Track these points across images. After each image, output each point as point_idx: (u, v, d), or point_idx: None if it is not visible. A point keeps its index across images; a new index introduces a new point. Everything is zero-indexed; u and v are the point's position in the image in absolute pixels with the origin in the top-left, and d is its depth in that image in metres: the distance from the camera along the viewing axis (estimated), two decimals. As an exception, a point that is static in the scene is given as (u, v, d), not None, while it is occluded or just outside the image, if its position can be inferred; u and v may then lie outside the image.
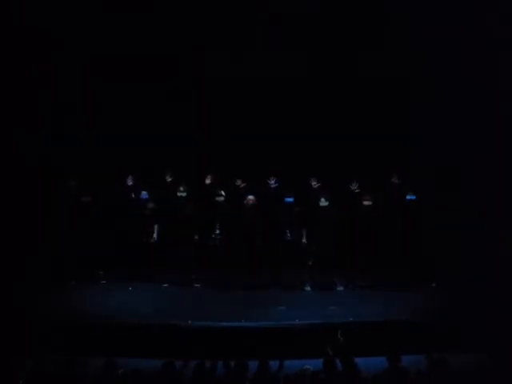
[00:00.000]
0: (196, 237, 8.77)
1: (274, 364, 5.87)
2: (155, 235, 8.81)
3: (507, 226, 8.38)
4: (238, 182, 9.05)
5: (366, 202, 8.85)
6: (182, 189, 8.95)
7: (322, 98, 9.85)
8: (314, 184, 8.94)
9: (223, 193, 8.92)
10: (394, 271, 8.45)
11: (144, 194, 9.20)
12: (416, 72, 9.22)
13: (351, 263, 8.61)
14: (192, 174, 9.30)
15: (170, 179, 9.28)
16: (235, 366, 5.74)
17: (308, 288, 8.47)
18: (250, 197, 8.85)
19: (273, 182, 9.01)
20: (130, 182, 9.24)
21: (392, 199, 8.88)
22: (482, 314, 7.23)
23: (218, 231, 8.69)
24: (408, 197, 8.92)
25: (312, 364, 5.84)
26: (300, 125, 9.79)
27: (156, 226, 8.86)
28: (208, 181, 9.03)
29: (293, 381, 5.55)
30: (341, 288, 8.47)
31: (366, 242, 8.55)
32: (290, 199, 8.90)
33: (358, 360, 5.90)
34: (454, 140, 9.08)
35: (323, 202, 8.77)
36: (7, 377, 5.71)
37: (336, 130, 9.75)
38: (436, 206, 8.62)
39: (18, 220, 8.91)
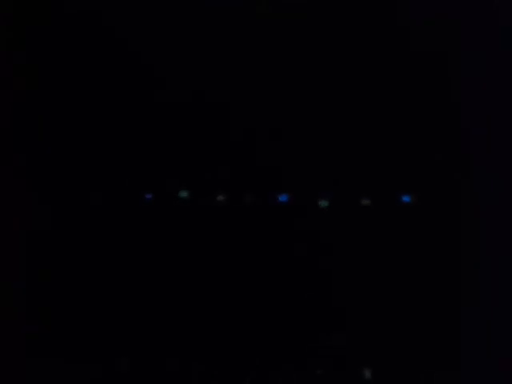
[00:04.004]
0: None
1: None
2: None
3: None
4: None
5: (364, 202, 8.84)
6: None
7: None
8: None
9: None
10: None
11: (147, 195, 9.29)
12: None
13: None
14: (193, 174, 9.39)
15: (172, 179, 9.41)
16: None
17: None
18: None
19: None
20: (130, 183, 9.34)
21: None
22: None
23: None
24: (403, 198, 8.83)
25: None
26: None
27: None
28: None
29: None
30: None
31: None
32: (284, 198, 8.92)
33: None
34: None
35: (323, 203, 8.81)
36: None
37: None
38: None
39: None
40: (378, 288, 7.99)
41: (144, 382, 6.82)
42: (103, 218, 8.43)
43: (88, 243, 8.35)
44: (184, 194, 8.43)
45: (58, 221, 8.40)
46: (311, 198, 8.39)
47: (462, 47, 8.25)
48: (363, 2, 8.96)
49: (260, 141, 9.14)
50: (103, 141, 9.11)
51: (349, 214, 8.29)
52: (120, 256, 8.35)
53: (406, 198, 8.21)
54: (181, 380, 6.88)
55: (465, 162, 8.34)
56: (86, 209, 8.43)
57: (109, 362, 7.02)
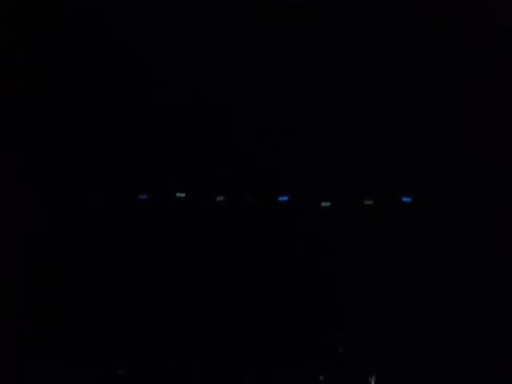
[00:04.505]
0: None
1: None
2: None
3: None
4: None
5: (366, 202, 8.79)
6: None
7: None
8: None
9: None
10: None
11: (143, 196, 9.24)
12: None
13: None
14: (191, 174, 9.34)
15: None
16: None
17: None
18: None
19: None
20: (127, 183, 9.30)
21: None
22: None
23: None
24: (404, 199, 8.75)
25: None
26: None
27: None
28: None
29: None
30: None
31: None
32: (285, 198, 8.85)
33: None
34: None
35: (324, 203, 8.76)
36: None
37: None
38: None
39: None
40: (378, 287, 7.96)
41: (144, 382, 6.75)
42: (103, 218, 8.39)
43: (88, 243, 8.30)
44: (181, 194, 8.38)
45: (58, 221, 8.35)
46: (313, 198, 8.33)
47: (462, 47, 8.20)
48: (363, 2, 8.91)
49: (260, 141, 9.07)
50: (102, 141, 9.04)
51: (349, 213, 8.24)
52: (120, 256, 8.30)
53: (406, 198, 8.17)
54: (181, 380, 6.81)
55: (465, 161, 8.29)
56: (85, 209, 8.38)
57: (109, 362, 6.95)
